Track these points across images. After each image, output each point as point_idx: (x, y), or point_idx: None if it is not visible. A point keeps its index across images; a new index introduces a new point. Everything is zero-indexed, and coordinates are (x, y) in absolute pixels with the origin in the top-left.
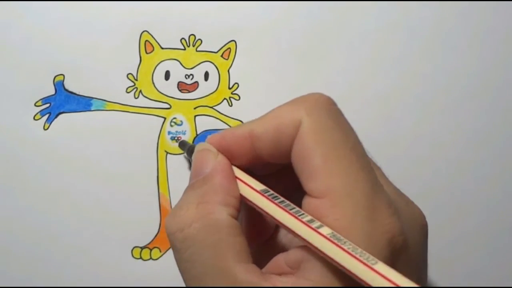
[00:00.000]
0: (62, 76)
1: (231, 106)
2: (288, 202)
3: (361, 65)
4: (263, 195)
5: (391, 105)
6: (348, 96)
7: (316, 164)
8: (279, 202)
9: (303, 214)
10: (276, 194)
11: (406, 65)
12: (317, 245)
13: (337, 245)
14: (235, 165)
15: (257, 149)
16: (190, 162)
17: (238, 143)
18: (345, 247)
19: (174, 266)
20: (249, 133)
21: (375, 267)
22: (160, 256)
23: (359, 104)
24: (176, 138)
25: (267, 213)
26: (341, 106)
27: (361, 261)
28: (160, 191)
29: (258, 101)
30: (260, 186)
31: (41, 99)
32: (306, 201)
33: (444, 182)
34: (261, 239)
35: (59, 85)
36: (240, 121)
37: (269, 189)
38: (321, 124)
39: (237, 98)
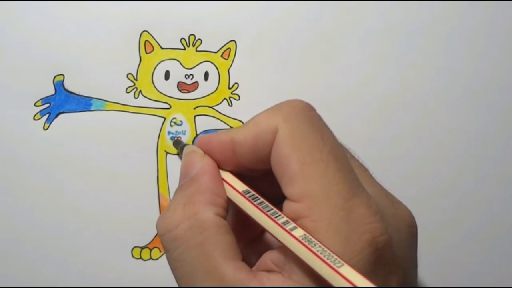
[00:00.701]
0: (62, 76)
1: (231, 106)
2: (267, 203)
3: (362, 65)
4: (244, 196)
5: (392, 105)
6: (348, 96)
7: (293, 170)
8: (258, 204)
9: (279, 215)
10: (256, 195)
11: (407, 66)
12: (290, 246)
13: (306, 247)
14: (221, 169)
15: (238, 156)
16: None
17: (221, 149)
18: (314, 249)
19: None
20: (230, 140)
21: (340, 269)
22: (160, 256)
23: (359, 105)
24: (176, 138)
25: (247, 213)
26: (341, 106)
27: (326, 263)
28: (160, 191)
29: (258, 101)
30: (242, 187)
31: (41, 99)
32: (286, 204)
33: (445, 183)
34: (250, 236)
35: (59, 85)
36: (240, 121)
37: (251, 190)
38: (297, 130)
39: (237, 98)
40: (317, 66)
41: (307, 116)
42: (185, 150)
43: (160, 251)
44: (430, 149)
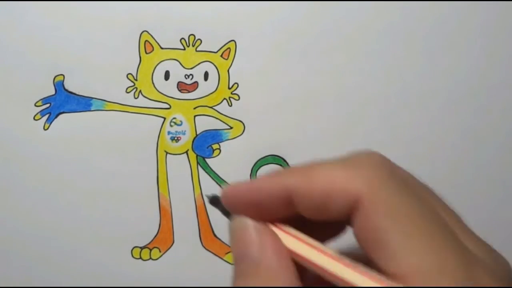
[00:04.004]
0: (62, 76)
1: (230, 106)
2: (364, 267)
3: (361, 65)
4: (333, 257)
5: (391, 104)
6: (347, 95)
7: (396, 244)
8: (353, 266)
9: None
10: (349, 260)
11: (407, 65)
12: None
13: None
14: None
15: (295, 206)
16: (226, 216)
17: (273, 201)
18: None
19: (174, 266)
20: (285, 189)
21: None
22: (160, 256)
23: (358, 104)
24: (176, 138)
25: (339, 278)
26: (340, 105)
27: None
28: (160, 191)
29: (258, 101)
30: (326, 249)
31: (41, 99)
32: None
33: (444, 182)
34: None
35: (59, 85)
36: (240, 121)
37: (339, 254)
38: (391, 199)
39: (237, 98)
40: (317, 65)
41: (390, 172)
42: (233, 225)
43: (160, 251)
44: (429, 149)
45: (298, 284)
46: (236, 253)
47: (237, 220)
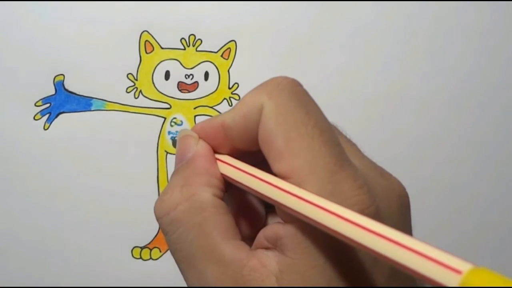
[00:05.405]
0: (62, 76)
1: (231, 106)
2: (269, 174)
3: (361, 64)
4: (244, 171)
5: (390, 104)
6: (347, 95)
7: (279, 146)
8: (261, 176)
9: (285, 184)
10: (256, 169)
11: (405, 65)
12: (302, 211)
13: (321, 207)
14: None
15: (230, 139)
16: None
17: (214, 135)
18: (329, 208)
19: (174, 266)
20: (221, 124)
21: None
22: (160, 256)
23: (358, 104)
24: (176, 138)
25: (250, 189)
26: (340, 105)
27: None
28: (160, 191)
29: None
30: (241, 165)
31: (41, 99)
32: None
33: (443, 182)
34: (254, 229)
35: (59, 85)
36: None
37: (250, 166)
38: (282, 106)
39: (237, 98)
40: (317, 65)
41: (292, 91)
42: (179, 134)
43: (160, 251)
44: (429, 149)
45: (215, 184)
46: (177, 156)
47: (184, 131)
